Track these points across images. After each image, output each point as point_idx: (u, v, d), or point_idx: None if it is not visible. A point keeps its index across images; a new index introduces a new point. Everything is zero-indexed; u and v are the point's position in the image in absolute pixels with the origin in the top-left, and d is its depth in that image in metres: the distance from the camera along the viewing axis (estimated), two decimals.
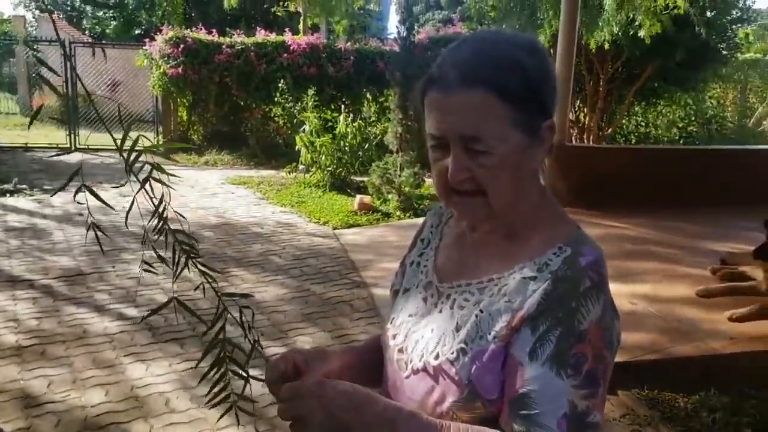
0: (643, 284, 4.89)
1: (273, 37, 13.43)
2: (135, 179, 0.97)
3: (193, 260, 1.02)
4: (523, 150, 1.00)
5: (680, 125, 15.64)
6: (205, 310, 1.19)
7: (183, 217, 1.04)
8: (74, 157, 12.86)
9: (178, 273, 1.02)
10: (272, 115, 12.16)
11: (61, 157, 12.71)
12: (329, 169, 9.53)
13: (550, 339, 0.94)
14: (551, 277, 0.97)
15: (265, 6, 21.62)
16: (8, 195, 8.58)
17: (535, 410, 0.92)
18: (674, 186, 7.60)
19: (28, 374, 3.69)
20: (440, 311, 1.10)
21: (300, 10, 16.05)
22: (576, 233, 1.05)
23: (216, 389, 1.03)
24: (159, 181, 0.94)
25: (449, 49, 1.03)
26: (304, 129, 10.02)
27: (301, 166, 10.08)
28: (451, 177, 1.00)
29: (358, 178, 9.71)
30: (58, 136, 14.16)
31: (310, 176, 9.94)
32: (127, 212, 1.02)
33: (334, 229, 7.33)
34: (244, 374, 1.05)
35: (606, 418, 3.34)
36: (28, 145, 12.68)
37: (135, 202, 0.95)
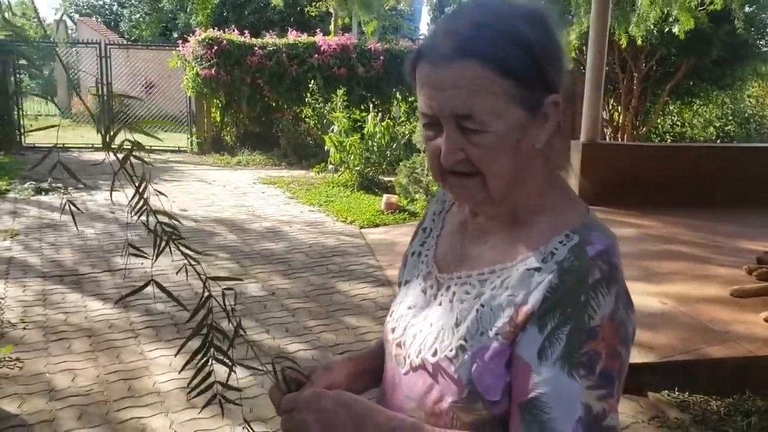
0: (674, 284, 4.75)
1: (304, 38, 13.50)
2: (129, 178, 0.94)
3: (175, 242, 0.99)
4: (523, 128, 0.90)
5: (717, 124, 15.27)
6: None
7: (174, 217, 1.02)
8: (99, 157, 13.10)
9: (158, 254, 0.99)
10: (303, 115, 12.23)
11: (96, 156, 12.95)
12: (357, 168, 9.53)
13: (559, 337, 0.86)
14: (557, 268, 0.89)
15: (299, 8, 21.76)
16: (43, 193, 8.75)
17: (547, 415, 0.85)
18: (708, 184, 7.41)
19: (54, 367, 3.74)
20: (440, 304, 1.02)
21: (332, 10, 16.10)
22: (585, 219, 0.95)
23: (198, 378, 1.00)
24: (140, 159, 0.91)
25: (443, 19, 0.95)
26: (333, 129, 10.04)
27: (330, 166, 10.11)
28: (443, 159, 0.92)
29: (386, 178, 9.69)
30: (94, 136, 14.39)
31: (339, 176, 9.95)
32: (111, 193, 0.99)
33: (361, 228, 7.31)
34: (228, 362, 1.01)
35: (635, 420, 3.26)
36: (65, 145, 12.93)
37: (113, 188, 0.92)
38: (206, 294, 0.99)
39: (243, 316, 4.59)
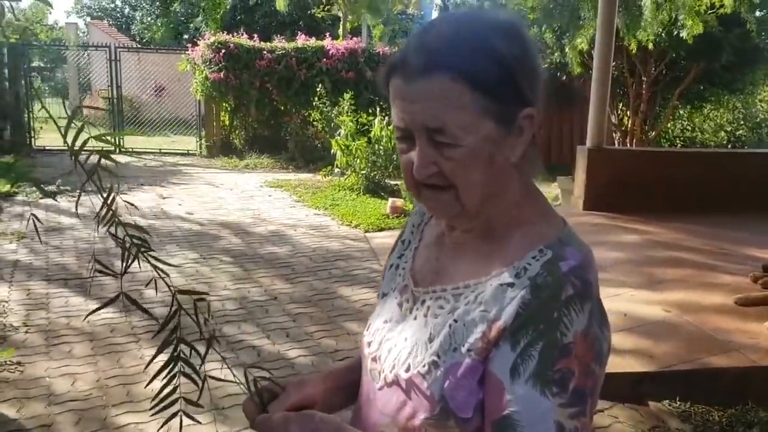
0: (677, 291, 4.70)
1: (313, 42, 13.54)
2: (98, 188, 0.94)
3: (144, 254, 0.98)
4: (496, 141, 0.90)
5: (728, 129, 15.15)
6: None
7: (143, 228, 1.02)
8: (118, 160, 13.19)
9: (127, 266, 0.99)
10: (311, 119, 12.26)
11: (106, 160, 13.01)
12: (363, 172, 9.53)
13: (532, 354, 0.85)
14: (530, 283, 0.88)
15: (309, 12, 21.83)
16: (51, 196, 8.79)
17: None
18: (716, 190, 7.33)
19: (54, 371, 3.75)
20: (415, 318, 1.02)
21: (340, 14, 16.13)
22: (560, 233, 0.95)
23: (163, 393, 0.99)
24: (107, 170, 0.91)
25: (416, 32, 0.94)
26: (339, 133, 10.05)
27: (336, 170, 10.12)
28: (416, 172, 0.91)
29: (392, 182, 9.68)
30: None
31: (345, 179, 9.95)
32: (77, 203, 0.99)
33: (366, 232, 7.30)
34: (196, 376, 1.00)
35: (635, 430, 3.23)
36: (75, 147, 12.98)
37: (80, 196, 0.92)
38: (175, 307, 0.99)
39: (244, 321, 4.59)
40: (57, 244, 6.44)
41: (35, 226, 1.01)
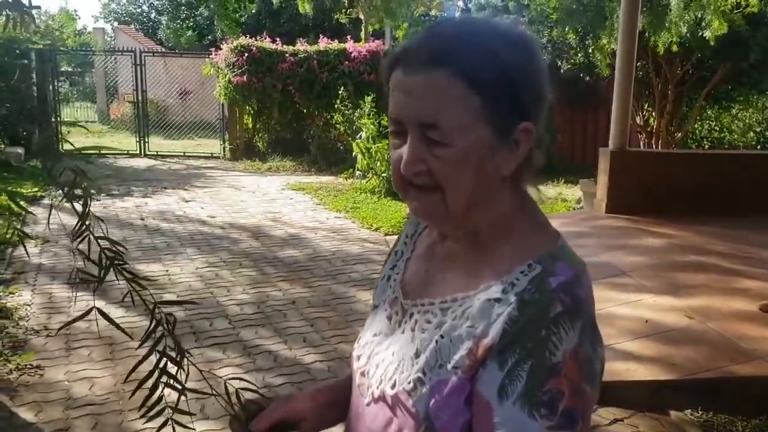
0: (700, 297, 4.60)
1: (335, 44, 13.57)
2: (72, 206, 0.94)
3: (118, 267, 0.99)
4: (489, 148, 0.88)
5: (758, 129, 14.84)
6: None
7: (117, 242, 1.02)
8: (143, 163, 13.36)
9: (101, 279, 0.99)
10: (333, 121, 12.28)
11: (131, 163, 13.21)
12: (384, 175, 9.51)
13: (519, 374, 0.82)
14: (516, 299, 0.85)
15: (333, 15, 21.89)
16: (75, 199, 8.92)
17: None
18: (742, 192, 7.16)
19: (73, 375, 3.79)
20: (403, 332, 0.99)
21: (362, 17, 16.14)
22: (551, 247, 0.92)
23: (149, 402, 1.00)
24: (81, 187, 0.91)
25: (425, 28, 0.94)
26: (361, 135, 10.05)
27: (357, 172, 10.11)
28: (404, 167, 0.89)
29: None
30: (131, 143, 14.69)
31: (366, 182, 9.95)
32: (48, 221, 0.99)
33: (386, 235, 7.29)
34: (179, 386, 1.00)
35: None
36: (101, 151, 13.19)
37: (52, 208, 0.92)
38: (156, 320, 0.99)
39: (261, 325, 4.60)
40: (80, 248, 6.51)
41: (23, 244, 1.01)
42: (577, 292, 0.86)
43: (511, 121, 0.89)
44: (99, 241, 0.95)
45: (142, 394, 1.01)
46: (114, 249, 0.96)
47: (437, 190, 0.90)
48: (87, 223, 0.92)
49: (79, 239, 0.93)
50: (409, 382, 0.92)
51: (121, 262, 0.97)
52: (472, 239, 0.96)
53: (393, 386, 0.94)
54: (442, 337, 0.91)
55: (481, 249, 0.95)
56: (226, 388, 1.03)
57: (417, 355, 0.93)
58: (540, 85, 0.91)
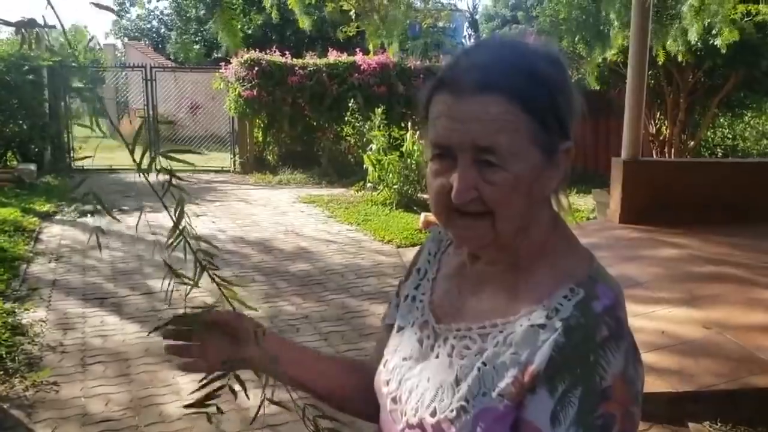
0: (718, 308, 4.56)
1: (344, 57, 13.62)
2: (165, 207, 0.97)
3: (209, 272, 1.00)
4: (539, 171, 0.88)
5: None
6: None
7: (210, 242, 1.03)
8: (153, 178, 13.39)
9: (195, 283, 1.02)
10: (343, 134, 12.31)
11: (142, 179, 13.23)
12: (396, 186, 9.51)
13: (571, 401, 0.82)
14: (562, 325, 0.84)
15: (341, 28, 22.00)
16: (87, 215, 8.97)
17: None
18: (757, 201, 7.11)
19: (89, 391, 3.79)
20: (437, 356, 0.97)
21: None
22: (590, 270, 0.91)
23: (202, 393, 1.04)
24: (178, 187, 0.94)
25: (463, 52, 0.92)
26: (371, 147, 10.07)
27: (368, 185, 10.12)
28: (457, 194, 0.87)
29: (425, 196, 9.63)
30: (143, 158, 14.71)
31: (378, 194, 9.95)
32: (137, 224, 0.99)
33: (398, 247, 7.28)
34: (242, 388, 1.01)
35: None
36: (112, 166, 13.24)
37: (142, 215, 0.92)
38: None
39: None
40: (94, 264, 6.55)
41: (98, 243, 1.01)
42: (619, 315, 0.87)
43: (557, 141, 0.89)
44: (190, 244, 0.98)
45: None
46: (207, 253, 0.99)
47: (486, 216, 0.88)
48: (180, 227, 0.95)
49: (174, 244, 0.96)
50: (452, 411, 0.90)
51: (213, 267, 0.99)
52: (510, 261, 0.94)
53: (433, 414, 0.92)
54: (484, 364, 0.90)
55: (517, 270, 0.94)
56: (304, 413, 1.02)
57: (457, 382, 0.92)
58: (576, 102, 0.91)
